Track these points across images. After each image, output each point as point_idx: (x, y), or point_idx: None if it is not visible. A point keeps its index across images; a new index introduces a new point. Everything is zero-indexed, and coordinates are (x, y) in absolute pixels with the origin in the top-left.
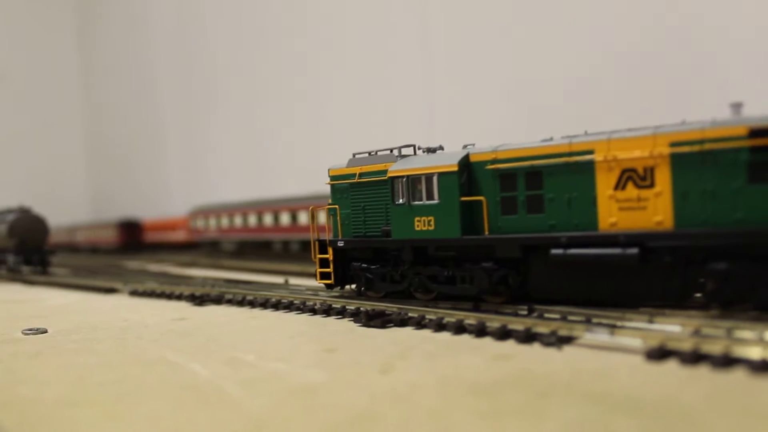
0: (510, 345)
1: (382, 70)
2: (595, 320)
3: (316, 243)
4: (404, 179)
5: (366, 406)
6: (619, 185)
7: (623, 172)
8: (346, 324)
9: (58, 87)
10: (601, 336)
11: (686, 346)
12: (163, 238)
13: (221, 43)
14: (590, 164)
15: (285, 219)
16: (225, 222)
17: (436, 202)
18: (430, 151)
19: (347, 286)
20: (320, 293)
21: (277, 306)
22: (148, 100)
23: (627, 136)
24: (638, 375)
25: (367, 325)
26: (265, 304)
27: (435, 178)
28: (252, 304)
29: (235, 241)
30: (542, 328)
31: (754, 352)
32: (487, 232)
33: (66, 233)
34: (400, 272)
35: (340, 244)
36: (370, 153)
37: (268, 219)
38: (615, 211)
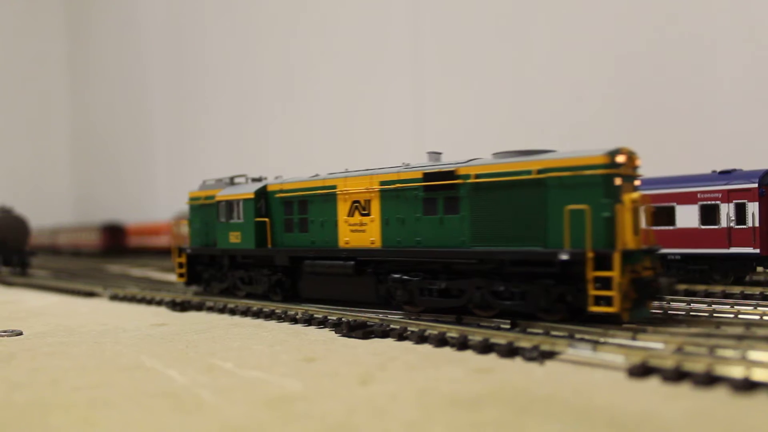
0: (492, 359)
1: (372, 77)
2: (578, 336)
3: (177, 249)
4: (224, 203)
5: (344, 417)
6: (350, 212)
7: (353, 202)
8: (327, 334)
9: (45, 87)
10: (583, 351)
11: (668, 363)
12: (146, 243)
13: (212, 48)
14: (334, 196)
15: None
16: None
17: (241, 221)
18: (255, 180)
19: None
20: (302, 303)
21: (258, 314)
22: (137, 102)
23: (355, 176)
24: (620, 391)
25: (348, 335)
26: (246, 312)
27: (241, 203)
28: (233, 311)
29: None
30: (525, 343)
31: (737, 371)
32: (270, 245)
33: (48, 235)
34: (223, 274)
35: (188, 251)
36: (216, 180)
37: None
38: (348, 232)
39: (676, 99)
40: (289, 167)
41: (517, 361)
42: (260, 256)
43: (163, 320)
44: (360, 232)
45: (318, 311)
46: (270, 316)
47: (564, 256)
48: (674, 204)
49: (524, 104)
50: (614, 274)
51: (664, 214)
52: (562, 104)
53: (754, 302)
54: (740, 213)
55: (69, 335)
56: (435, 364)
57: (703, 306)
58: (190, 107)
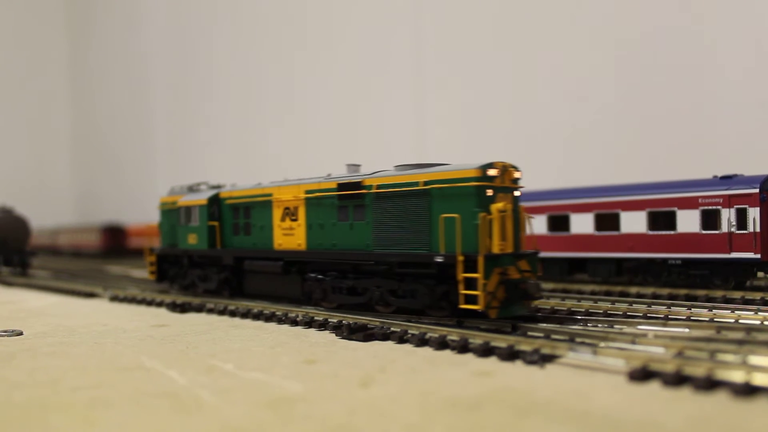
0: (492, 362)
1: (374, 80)
2: (578, 339)
3: (148, 250)
4: (184, 208)
5: (344, 419)
6: (283, 218)
7: (285, 209)
8: (328, 336)
9: (46, 87)
10: (584, 355)
11: (669, 367)
12: (147, 244)
13: (214, 49)
14: (270, 203)
15: None
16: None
17: (197, 224)
18: (214, 187)
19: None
20: (303, 305)
21: (258, 316)
22: (138, 103)
23: (287, 185)
24: (620, 396)
25: (348, 338)
26: (246, 314)
27: (197, 208)
28: (233, 313)
29: None
30: (525, 346)
31: (737, 375)
32: (219, 246)
33: (48, 235)
34: (184, 272)
35: (157, 251)
36: (182, 187)
37: None
38: (281, 236)
39: (677, 104)
40: (290, 170)
41: (518, 365)
42: (212, 256)
43: (164, 321)
44: (290, 236)
45: (318, 314)
46: (270, 318)
47: (439, 259)
48: (675, 209)
49: (524, 109)
50: (478, 275)
51: (665, 219)
52: (562, 109)
53: (755, 307)
54: (741, 218)
55: (69, 335)
56: (435, 367)
57: (704, 311)
58: (191, 108)
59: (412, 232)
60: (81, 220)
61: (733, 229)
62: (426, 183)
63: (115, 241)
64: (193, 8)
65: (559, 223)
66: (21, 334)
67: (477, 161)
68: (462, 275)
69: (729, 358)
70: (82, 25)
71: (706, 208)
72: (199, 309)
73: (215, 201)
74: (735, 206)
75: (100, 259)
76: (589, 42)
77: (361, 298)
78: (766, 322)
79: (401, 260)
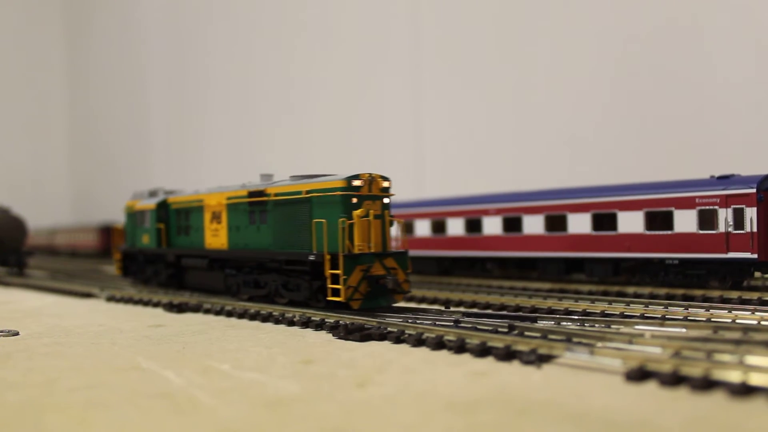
0: (489, 362)
1: (373, 76)
2: (575, 339)
3: (115, 248)
4: (139, 212)
5: (340, 419)
6: (211, 221)
7: (213, 213)
8: (325, 336)
9: (43, 87)
10: (581, 355)
11: (666, 367)
12: None
13: (212, 50)
14: (202, 208)
15: None
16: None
17: (149, 226)
18: (168, 193)
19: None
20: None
21: (255, 316)
22: (135, 103)
23: (215, 192)
24: (617, 396)
25: (345, 338)
26: (243, 314)
27: (149, 212)
28: (230, 313)
29: None
30: (522, 346)
31: (734, 376)
32: (164, 246)
33: (45, 235)
34: (142, 267)
35: (122, 249)
36: (143, 192)
37: None
38: (210, 237)
39: (674, 105)
40: (286, 169)
41: (515, 365)
42: (159, 254)
43: (160, 322)
44: (216, 237)
45: (315, 314)
46: (267, 318)
47: (312, 258)
48: (672, 209)
49: (522, 110)
50: (339, 271)
51: (662, 219)
52: (560, 111)
53: (751, 307)
54: (738, 218)
55: (66, 336)
56: (432, 368)
57: (701, 310)
58: (189, 108)
59: (298, 235)
60: (78, 220)
61: (730, 229)
62: (308, 192)
63: (113, 241)
64: (190, 9)
65: (556, 223)
66: (17, 334)
67: (349, 172)
68: (329, 272)
69: (726, 358)
70: (79, 26)
71: (703, 208)
72: (195, 309)
73: (163, 206)
74: (732, 206)
75: (97, 259)
76: (587, 44)
77: (264, 291)
78: (763, 322)
79: (287, 258)
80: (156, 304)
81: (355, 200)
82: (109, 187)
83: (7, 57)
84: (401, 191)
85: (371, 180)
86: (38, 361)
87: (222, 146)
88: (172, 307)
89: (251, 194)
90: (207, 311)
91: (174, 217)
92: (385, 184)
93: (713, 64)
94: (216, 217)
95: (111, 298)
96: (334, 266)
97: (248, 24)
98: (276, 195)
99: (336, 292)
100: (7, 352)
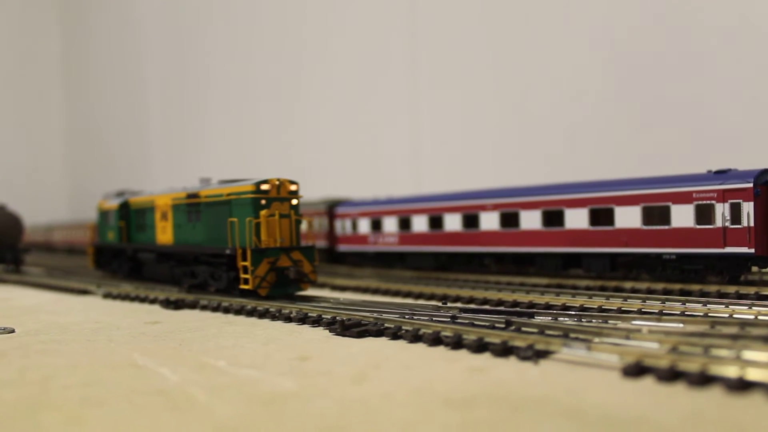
0: (486, 358)
1: (370, 73)
2: (572, 335)
3: (90, 244)
4: (106, 211)
5: (337, 416)
6: (161, 219)
7: (162, 213)
8: (321, 333)
9: (39, 83)
10: (578, 351)
11: (663, 363)
12: None
13: (210, 46)
14: (154, 208)
15: None
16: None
17: (113, 224)
18: (131, 194)
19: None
20: (297, 302)
21: (252, 312)
22: (133, 99)
23: (162, 194)
24: (614, 391)
25: (342, 334)
26: (240, 311)
27: (113, 211)
28: (227, 310)
29: None
30: (519, 342)
31: (731, 371)
32: (125, 241)
33: (42, 232)
34: (109, 261)
35: (95, 244)
36: (112, 192)
37: None
38: (160, 233)
39: (671, 99)
40: (284, 168)
41: (512, 361)
42: (121, 249)
43: (157, 318)
44: (164, 234)
45: (312, 310)
46: (264, 314)
47: (228, 251)
48: (669, 204)
49: (518, 105)
50: (247, 263)
51: (659, 214)
52: (557, 105)
53: (749, 302)
54: (735, 213)
55: (62, 333)
56: (429, 363)
57: (698, 305)
58: (186, 105)
59: (221, 232)
60: (75, 216)
61: (727, 224)
62: (228, 195)
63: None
64: (189, 5)
65: (553, 218)
66: (13, 331)
67: (261, 177)
68: (241, 264)
69: (723, 353)
70: (75, 22)
71: (700, 202)
72: (192, 306)
73: (125, 206)
74: (729, 201)
75: None
76: (583, 37)
77: (198, 281)
78: (760, 317)
79: (212, 252)
80: (153, 301)
81: (263, 202)
82: (107, 184)
83: (3, 53)
84: (399, 187)
85: (279, 184)
86: (34, 359)
87: (219, 143)
88: (168, 304)
89: (188, 196)
90: (204, 308)
91: (133, 216)
92: (293, 187)
93: (710, 58)
94: (164, 216)
95: (107, 295)
96: (245, 259)
97: (247, 20)
98: (206, 197)
99: (246, 281)
100: (2, 349)
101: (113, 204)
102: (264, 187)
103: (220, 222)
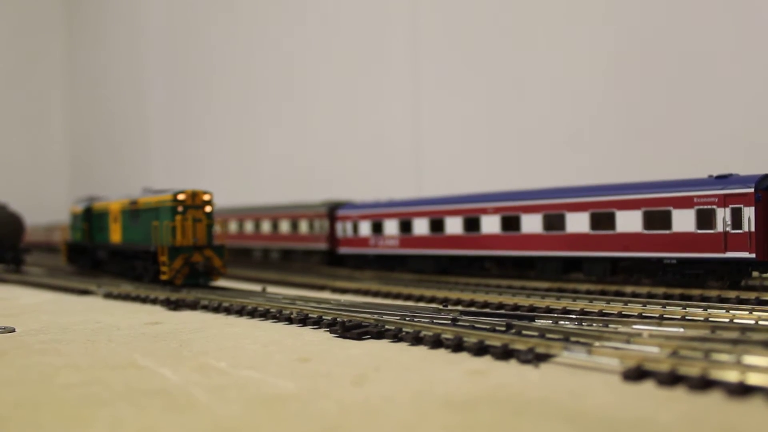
0: (486, 361)
1: (372, 78)
2: (573, 339)
3: (64, 242)
4: (75, 214)
5: (336, 417)
6: (113, 222)
7: (114, 216)
8: (322, 334)
9: (41, 83)
10: (578, 354)
11: (664, 367)
12: None
13: (212, 47)
14: (108, 213)
15: (266, 227)
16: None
17: (79, 225)
18: (96, 200)
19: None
20: (297, 302)
21: (253, 314)
22: (134, 100)
23: (115, 201)
24: (614, 395)
25: (343, 336)
26: (241, 312)
27: (78, 215)
28: (228, 310)
29: None
30: (520, 345)
31: (732, 375)
32: (88, 240)
33: (43, 232)
34: (77, 257)
35: (67, 242)
36: (83, 198)
37: (249, 227)
38: (113, 234)
39: (672, 103)
40: (285, 169)
41: (512, 364)
42: (84, 246)
43: (157, 319)
44: (116, 234)
45: (313, 311)
46: (265, 315)
47: (151, 249)
48: (671, 208)
49: (520, 109)
50: (163, 258)
51: (660, 219)
52: (558, 109)
53: (749, 307)
54: (736, 218)
55: (62, 333)
56: (430, 366)
57: (699, 310)
58: (189, 106)
59: (150, 233)
60: None
61: (728, 229)
62: (155, 203)
63: None
64: (191, 5)
65: (554, 222)
66: (13, 330)
67: (180, 188)
68: (161, 258)
69: (724, 357)
70: (78, 21)
71: (701, 207)
72: (193, 306)
73: (88, 210)
74: (730, 206)
75: None
76: (585, 42)
77: (136, 273)
78: (760, 322)
79: (143, 249)
80: (153, 301)
81: (180, 209)
82: (108, 184)
83: (5, 51)
84: (399, 190)
85: (194, 194)
86: (34, 358)
87: (221, 145)
88: (169, 304)
89: (131, 203)
90: (204, 308)
91: (95, 219)
92: (206, 197)
93: (712, 63)
94: (115, 219)
95: (108, 295)
96: (164, 255)
97: (249, 22)
98: (142, 204)
99: (164, 273)
100: (2, 349)
101: (79, 208)
102: (180, 197)
103: (149, 225)
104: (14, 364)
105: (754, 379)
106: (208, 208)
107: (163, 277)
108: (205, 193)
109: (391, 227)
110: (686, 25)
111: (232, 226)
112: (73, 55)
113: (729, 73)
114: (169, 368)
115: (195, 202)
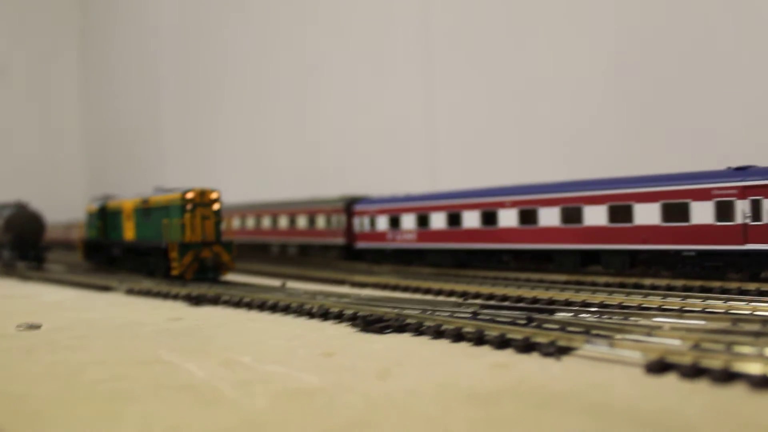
0: (508, 354)
1: (384, 78)
2: (594, 332)
3: (80, 240)
4: (91, 213)
5: (362, 411)
6: (127, 220)
7: (127, 215)
8: (344, 329)
9: (59, 82)
10: (600, 347)
11: (686, 359)
12: None
13: (227, 50)
14: (121, 211)
15: (283, 222)
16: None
17: (95, 223)
18: (111, 199)
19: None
20: (317, 297)
21: (274, 309)
22: (150, 100)
23: (128, 200)
24: (637, 388)
25: (364, 330)
26: (262, 307)
27: (94, 214)
28: (249, 306)
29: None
30: (541, 338)
31: (754, 368)
32: (102, 237)
33: (62, 230)
34: (93, 253)
35: (83, 240)
36: (98, 198)
37: (266, 222)
38: (127, 232)
39: (690, 95)
40: (295, 167)
41: (534, 357)
42: (99, 244)
43: (180, 314)
44: (130, 231)
45: (334, 305)
46: (286, 310)
47: (162, 245)
48: (689, 200)
49: (537, 101)
50: (173, 254)
51: (678, 211)
52: (574, 103)
53: None
54: (756, 209)
55: (87, 329)
56: (452, 360)
57: (719, 302)
58: (202, 104)
59: (161, 230)
60: None
61: (747, 221)
62: (166, 202)
63: None
64: (204, 6)
65: (572, 215)
66: (39, 327)
67: (188, 187)
68: (171, 254)
69: (746, 350)
70: (93, 21)
71: (720, 199)
72: (214, 301)
73: (103, 209)
74: (749, 197)
75: None
76: (600, 32)
77: (148, 268)
78: None
79: (155, 246)
80: (174, 297)
81: (189, 207)
82: (123, 183)
83: (22, 52)
84: (416, 184)
85: (202, 192)
86: (62, 354)
87: (236, 142)
88: (190, 300)
89: (143, 202)
90: (225, 303)
91: (110, 218)
92: (213, 195)
93: (730, 54)
94: (129, 217)
95: (130, 291)
96: (174, 251)
97: (262, 20)
98: (153, 203)
99: (175, 268)
100: (30, 345)
101: (95, 207)
102: (189, 195)
103: (160, 223)
104: (43, 361)
105: None
106: (216, 206)
107: (174, 272)
108: (212, 191)
109: (408, 221)
110: (702, 14)
111: (250, 222)
112: (86, 55)
113: (747, 63)
114: (194, 363)
115: (203, 200)
